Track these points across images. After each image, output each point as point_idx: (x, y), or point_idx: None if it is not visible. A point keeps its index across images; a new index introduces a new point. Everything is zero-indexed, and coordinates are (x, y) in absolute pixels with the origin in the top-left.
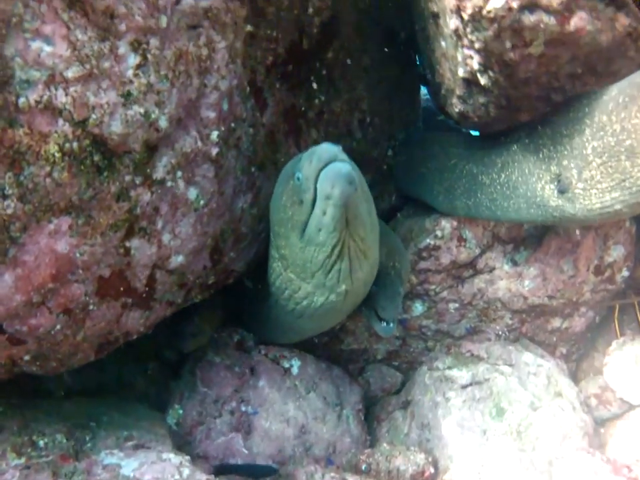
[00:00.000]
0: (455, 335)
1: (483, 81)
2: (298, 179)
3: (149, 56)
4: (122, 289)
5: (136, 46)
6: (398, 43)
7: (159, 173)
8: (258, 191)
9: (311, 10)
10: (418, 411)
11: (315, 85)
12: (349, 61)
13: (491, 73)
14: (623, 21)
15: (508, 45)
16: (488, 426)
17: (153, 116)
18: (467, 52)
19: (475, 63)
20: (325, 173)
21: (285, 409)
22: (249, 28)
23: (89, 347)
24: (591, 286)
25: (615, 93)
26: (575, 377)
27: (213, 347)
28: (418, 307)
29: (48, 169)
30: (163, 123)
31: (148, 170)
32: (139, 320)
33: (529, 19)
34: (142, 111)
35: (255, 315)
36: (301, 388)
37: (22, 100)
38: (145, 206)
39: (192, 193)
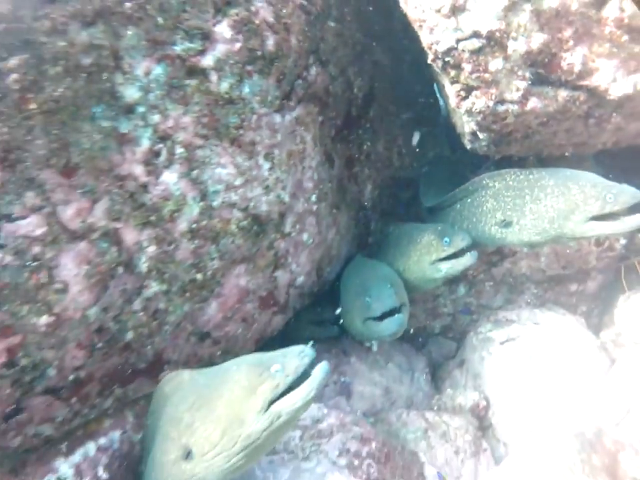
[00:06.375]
0: (494, 307)
1: (480, 136)
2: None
3: (275, 161)
4: (271, 302)
5: (268, 157)
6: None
7: (286, 228)
8: (338, 225)
9: (355, 90)
10: (470, 366)
11: (362, 137)
12: (384, 114)
13: (484, 134)
14: (562, 94)
15: (491, 120)
16: (522, 368)
17: (282, 196)
18: (468, 119)
19: (473, 126)
20: None
21: (372, 377)
22: (320, 118)
23: (252, 342)
24: (595, 255)
25: (551, 183)
26: (598, 329)
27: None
28: (461, 289)
29: (231, 238)
30: (286, 199)
31: (281, 228)
32: (280, 322)
33: (500, 108)
34: (275, 195)
35: None
36: (381, 360)
37: (215, 202)
38: (281, 250)
39: (305, 237)
